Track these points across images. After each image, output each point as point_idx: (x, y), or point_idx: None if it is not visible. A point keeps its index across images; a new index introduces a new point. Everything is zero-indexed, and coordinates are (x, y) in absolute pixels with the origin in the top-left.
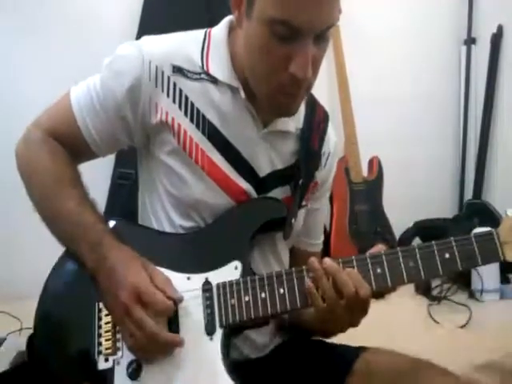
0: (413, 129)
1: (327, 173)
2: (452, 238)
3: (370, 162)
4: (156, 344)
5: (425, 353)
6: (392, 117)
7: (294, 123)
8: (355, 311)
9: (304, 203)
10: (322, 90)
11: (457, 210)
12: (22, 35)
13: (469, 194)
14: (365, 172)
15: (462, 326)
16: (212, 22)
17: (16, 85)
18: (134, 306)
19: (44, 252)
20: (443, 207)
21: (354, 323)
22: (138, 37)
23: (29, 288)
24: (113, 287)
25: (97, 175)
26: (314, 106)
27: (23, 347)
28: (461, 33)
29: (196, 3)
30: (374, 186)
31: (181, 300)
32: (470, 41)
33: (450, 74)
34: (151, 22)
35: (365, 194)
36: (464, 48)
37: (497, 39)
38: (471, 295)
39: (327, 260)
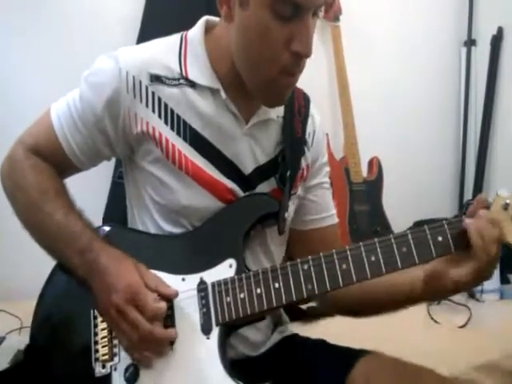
0: (413, 129)
1: (316, 150)
2: (444, 221)
3: (370, 163)
4: (151, 343)
5: (425, 353)
6: (392, 117)
7: (275, 111)
8: (494, 265)
9: (293, 191)
10: (323, 90)
11: (457, 210)
12: (22, 35)
13: (469, 194)
14: (365, 172)
15: (462, 326)
16: None
17: (13, 86)
18: (128, 306)
19: (44, 251)
20: (443, 207)
21: (487, 278)
22: (140, 36)
23: (29, 287)
24: (106, 289)
25: (97, 175)
26: (292, 91)
27: (23, 346)
28: (461, 34)
29: (197, 3)
30: (373, 186)
31: (175, 295)
32: (470, 42)
33: (450, 75)
34: (153, 22)
35: (365, 194)
36: (464, 49)
37: (497, 41)
38: (471, 295)
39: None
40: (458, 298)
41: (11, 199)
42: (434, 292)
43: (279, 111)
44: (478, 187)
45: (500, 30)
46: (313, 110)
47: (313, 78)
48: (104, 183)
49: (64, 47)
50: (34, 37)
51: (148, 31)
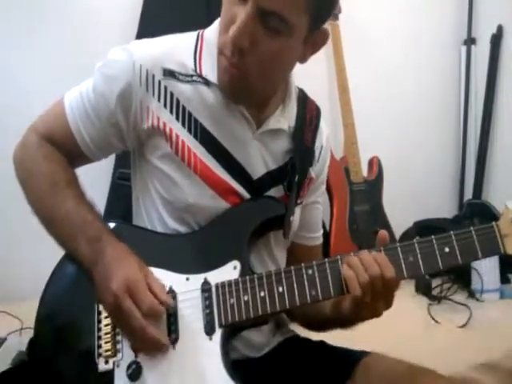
0: (413, 129)
1: (321, 166)
2: (452, 232)
3: (370, 162)
4: (145, 339)
5: (425, 352)
6: (392, 117)
7: (287, 121)
8: (380, 297)
9: (299, 201)
10: (323, 89)
11: (457, 210)
12: (22, 34)
13: (469, 194)
14: (365, 172)
15: (462, 326)
16: (212, 21)
17: (14, 83)
18: (124, 296)
19: (44, 251)
20: (443, 207)
21: (378, 313)
22: (138, 35)
23: (29, 288)
24: (107, 277)
25: (97, 175)
26: (305, 102)
27: (24, 347)
28: (461, 33)
29: (196, 2)
30: (374, 185)
31: (170, 305)
32: (470, 41)
33: (450, 74)
34: (151, 21)
35: (365, 194)
36: (464, 48)
37: (497, 39)
38: (471, 295)
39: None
40: (458, 297)
41: (23, 186)
42: (340, 321)
43: (291, 122)
44: (478, 187)
45: (500, 29)
46: (322, 123)
47: (313, 78)
48: (104, 184)
49: (64, 46)
50: (35, 35)
51: (146, 30)
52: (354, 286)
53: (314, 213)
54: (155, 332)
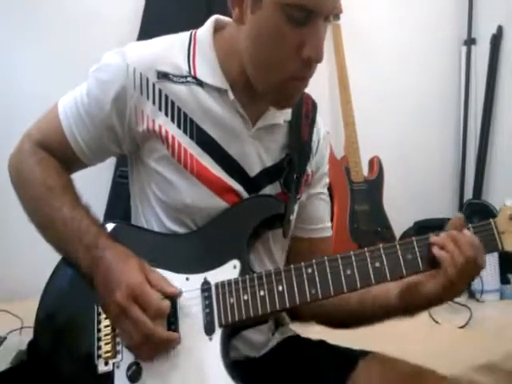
0: (413, 129)
1: (319, 159)
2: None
3: (371, 162)
4: (153, 343)
5: (425, 353)
6: (392, 116)
7: (283, 116)
8: (465, 280)
9: (298, 196)
10: (323, 89)
11: (457, 209)
12: (21, 35)
13: (469, 194)
14: (365, 171)
15: (462, 327)
16: None
17: (15, 85)
18: (131, 305)
19: (44, 250)
20: (443, 207)
21: (457, 294)
22: (140, 35)
23: (29, 287)
24: (109, 287)
25: (98, 174)
26: (301, 96)
27: (24, 346)
28: (461, 33)
29: (197, 3)
30: (374, 185)
31: (179, 294)
32: (470, 41)
33: (450, 74)
34: (153, 22)
35: (365, 194)
36: (464, 48)
37: (497, 40)
38: (471, 295)
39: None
40: (458, 298)
41: (18, 193)
42: (406, 307)
43: (286, 116)
44: (478, 187)
45: (500, 29)
46: (319, 119)
47: (314, 77)
48: (105, 182)
49: (65, 46)
50: (36, 36)
51: (148, 30)
52: (448, 267)
53: (318, 203)
54: (164, 333)
